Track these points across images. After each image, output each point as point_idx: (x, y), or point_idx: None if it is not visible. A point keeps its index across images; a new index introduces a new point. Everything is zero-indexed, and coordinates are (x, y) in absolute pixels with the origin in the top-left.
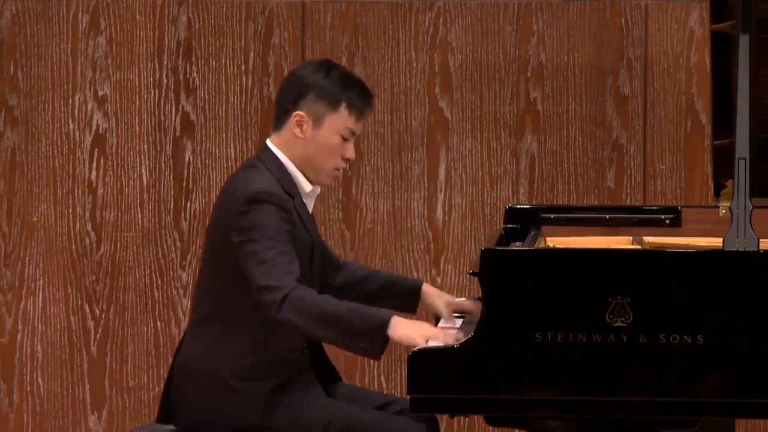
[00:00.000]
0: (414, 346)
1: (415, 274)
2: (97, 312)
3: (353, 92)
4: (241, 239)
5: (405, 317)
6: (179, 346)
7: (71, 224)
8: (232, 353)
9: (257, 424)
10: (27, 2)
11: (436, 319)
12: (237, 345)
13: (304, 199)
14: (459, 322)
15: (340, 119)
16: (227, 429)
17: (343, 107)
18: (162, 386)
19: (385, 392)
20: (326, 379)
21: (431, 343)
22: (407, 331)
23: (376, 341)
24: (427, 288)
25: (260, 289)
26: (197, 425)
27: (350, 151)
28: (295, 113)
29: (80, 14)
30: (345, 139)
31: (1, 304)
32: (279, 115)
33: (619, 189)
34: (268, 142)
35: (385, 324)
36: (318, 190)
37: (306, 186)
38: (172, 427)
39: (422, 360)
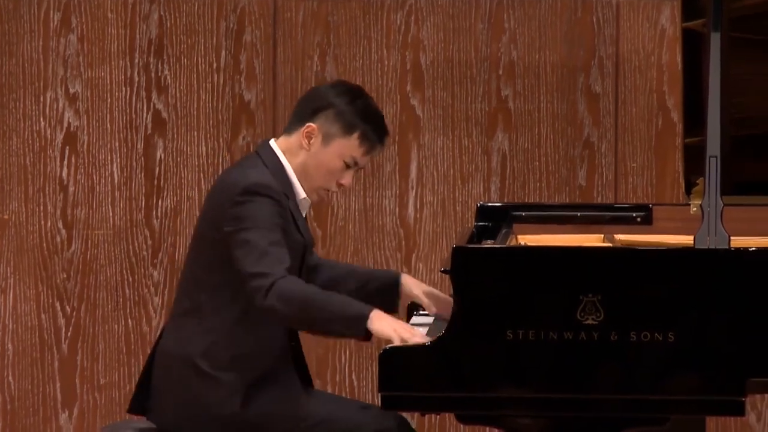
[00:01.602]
0: (387, 343)
1: None
2: (68, 310)
3: (371, 125)
4: (234, 228)
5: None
6: (159, 337)
7: (42, 222)
8: (212, 344)
9: (235, 413)
10: None
11: (408, 310)
12: (218, 337)
13: (297, 203)
14: (430, 319)
15: (349, 146)
16: (204, 418)
17: (356, 136)
18: (136, 380)
19: (356, 390)
20: (301, 381)
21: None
22: (383, 326)
23: (358, 332)
24: (405, 280)
25: (249, 276)
26: (174, 414)
27: (347, 179)
28: (308, 124)
29: (51, 12)
30: (347, 166)
31: None
32: (293, 121)
33: (591, 187)
34: (271, 141)
35: (365, 317)
36: (308, 202)
37: (300, 192)
38: (143, 423)
39: (393, 358)
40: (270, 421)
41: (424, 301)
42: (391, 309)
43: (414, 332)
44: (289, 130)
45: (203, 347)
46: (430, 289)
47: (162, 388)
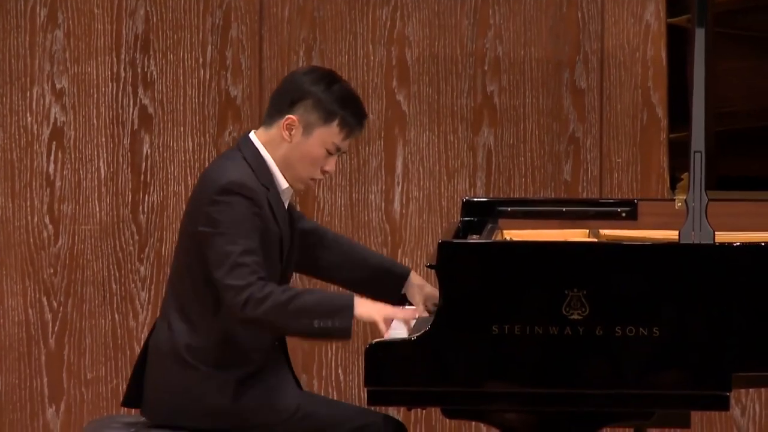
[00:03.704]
0: (375, 337)
1: None
2: (55, 305)
3: (350, 110)
4: (209, 230)
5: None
6: (151, 331)
7: (29, 217)
8: (200, 339)
9: (226, 405)
10: None
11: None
12: (205, 332)
13: (280, 196)
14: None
15: (330, 133)
16: (197, 410)
17: (336, 123)
18: (123, 375)
19: (342, 385)
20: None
21: (391, 332)
22: (368, 309)
23: (345, 320)
24: (412, 278)
25: (224, 288)
26: (167, 407)
27: (330, 165)
28: (287, 116)
29: (38, 7)
30: (329, 153)
31: None
32: (271, 113)
33: (576, 182)
34: (251, 134)
35: (350, 304)
36: (291, 191)
37: (283, 183)
38: (129, 417)
39: (379, 352)
40: (260, 414)
41: (419, 306)
42: (390, 299)
43: (397, 312)
44: (268, 122)
45: (191, 343)
46: (434, 291)
47: (155, 381)
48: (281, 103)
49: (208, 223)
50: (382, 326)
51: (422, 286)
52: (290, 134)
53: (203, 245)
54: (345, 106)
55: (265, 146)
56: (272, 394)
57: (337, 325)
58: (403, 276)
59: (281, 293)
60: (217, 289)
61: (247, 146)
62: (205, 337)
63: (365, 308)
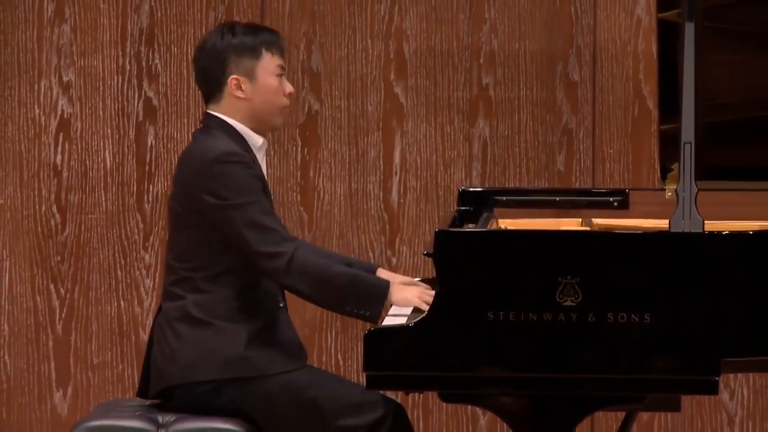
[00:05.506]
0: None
1: (371, 254)
2: (62, 292)
3: (263, 35)
4: (220, 203)
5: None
6: (157, 314)
7: (37, 206)
8: (212, 300)
9: (240, 354)
10: None
11: None
12: (217, 294)
13: (256, 155)
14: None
15: (267, 62)
16: (211, 364)
17: (263, 51)
18: (128, 360)
19: (342, 370)
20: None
21: (389, 317)
22: (405, 295)
23: (376, 309)
24: (380, 273)
25: (260, 256)
26: (179, 368)
27: (289, 86)
28: (230, 78)
29: (45, 2)
30: (280, 76)
31: None
32: (211, 90)
33: (569, 172)
34: (209, 111)
35: (385, 293)
36: (266, 143)
37: (257, 140)
38: (135, 401)
39: (378, 338)
40: (275, 363)
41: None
42: None
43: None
44: (214, 98)
45: (202, 302)
46: (408, 280)
47: (164, 353)
48: (213, 75)
49: (216, 196)
50: (424, 307)
51: (394, 278)
52: (242, 90)
53: (219, 220)
54: (257, 35)
55: (226, 116)
56: (283, 346)
57: (367, 314)
58: (371, 272)
59: (319, 266)
60: (229, 257)
61: (213, 120)
62: (214, 297)
63: (401, 295)
